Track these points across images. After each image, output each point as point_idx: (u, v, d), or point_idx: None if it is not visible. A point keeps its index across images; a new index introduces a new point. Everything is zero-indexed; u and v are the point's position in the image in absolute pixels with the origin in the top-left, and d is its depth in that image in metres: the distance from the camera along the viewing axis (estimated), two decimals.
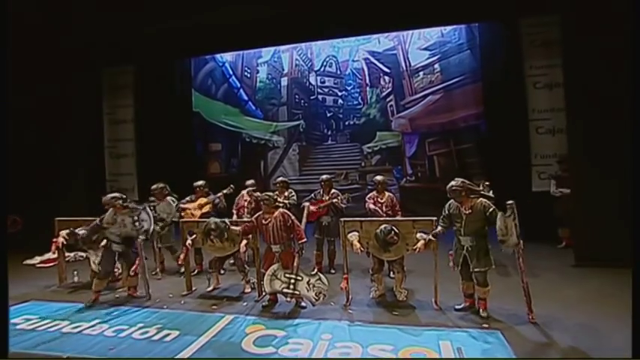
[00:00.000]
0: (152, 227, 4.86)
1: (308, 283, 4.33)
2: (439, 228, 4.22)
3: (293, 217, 4.46)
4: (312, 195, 5.87)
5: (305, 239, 4.43)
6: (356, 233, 4.54)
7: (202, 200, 6.10)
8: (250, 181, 6.34)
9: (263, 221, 4.52)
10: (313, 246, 5.88)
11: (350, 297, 4.66)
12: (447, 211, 4.18)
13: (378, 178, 5.52)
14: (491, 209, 3.94)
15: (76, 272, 5.74)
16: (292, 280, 4.30)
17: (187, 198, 6.14)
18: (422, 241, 4.26)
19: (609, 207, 5.37)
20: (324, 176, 5.87)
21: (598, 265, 5.35)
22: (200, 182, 6.21)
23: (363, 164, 9.28)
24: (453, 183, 4.04)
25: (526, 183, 7.20)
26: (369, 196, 5.51)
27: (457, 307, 4.26)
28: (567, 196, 6.13)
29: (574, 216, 5.76)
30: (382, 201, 5.43)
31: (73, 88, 8.27)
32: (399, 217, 4.73)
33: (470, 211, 4.01)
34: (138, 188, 9.00)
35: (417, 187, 8.79)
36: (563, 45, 5.81)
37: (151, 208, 5.24)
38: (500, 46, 7.85)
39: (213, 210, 6.11)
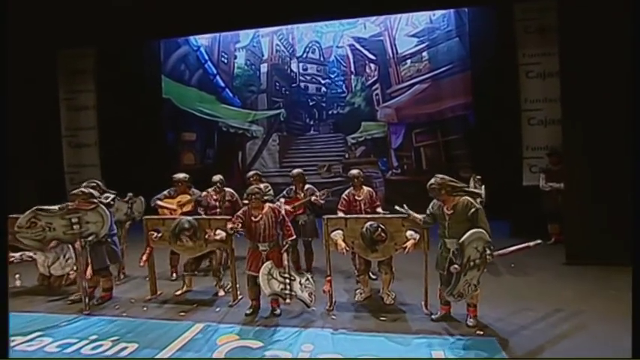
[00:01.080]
0: (104, 230, 4.33)
1: (300, 283, 4.10)
2: (423, 220, 3.98)
3: (283, 212, 4.20)
4: (285, 192, 5.44)
5: (294, 236, 4.25)
6: (340, 232, 4.28)
7: (184, 197, 5.42)
8: (217, 177, 5.58)
9: (252, 218, 4.15)
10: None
11: (334, 301, 4.42)
12: (430, 211, 3.92)
13: (353, 172, 5.01)
14: (472, 210, 3.61)
15: (18, 275, 5.25)
16: (287, 281, 4.00)
17: (165, 192, 5.45)
18: (411, 240, 4.05)
19: (603, 203, 5.20)
20: (294, 171, 5.39)
21: (590, 264, 5.22)
22: (181, 175, 5.49)
23: (347, 156, 9.11)
24: (432, 180, 3.75)
25: (516, 177, 7.04)
26: (345, 193, 5.03)
27: (434, 317, 3.98)
28: (557, 190, 6.05)
29: (566, 212, 5.61)
30: (360, 198, 4.96)
31: (25, 71, 7.57)
32: (388, 215, 4.42)
33: (452, 211, 3.70)
34: (103, 180, 8.44)
35: (403, 180, 8.62)
36: (560, 32, 5.58)
37: (113, 202, 4.76)
38: (490, 33, 7.65)
39: (194, 209, 5.45)
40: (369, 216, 4.35)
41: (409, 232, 4.13)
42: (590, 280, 4.92)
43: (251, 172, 5.90)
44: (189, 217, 4.48)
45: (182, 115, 9.73)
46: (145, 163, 7.94)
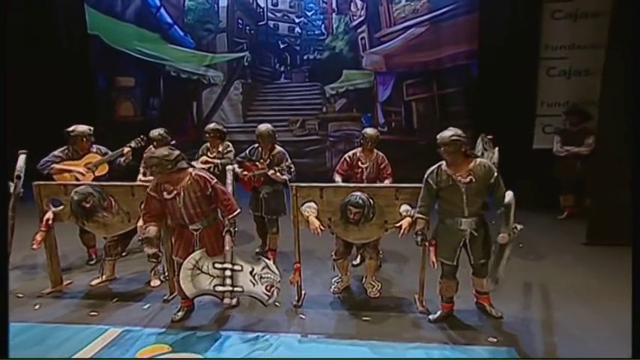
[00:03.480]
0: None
1: (252, 273, 3.32)
2: (419, 214, 3.30)
3: (213, 181, 3.29)
4: (245, 153, 4.63)
5: (238, 210, 3.37)
6: (313, 205, 3.57)
7: (92, 157, 4.50)
8: (156, 132, 4.71)
9: (165, 195, 3.20)
10: (249, 223, 4.87)
11: (303, 294, 3.80)
12: (433, 184, 3.19)
13: (369, 131, 4.40)
14: (494, 175, 3.13)
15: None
16: (228, 273, 3.22)
17: (58, 153, 4.43)
18: (407, 219, 3.40)
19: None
20: (261, 127, 4.46)
21: (615, 244, 4.73)
22: (83, 128, 4.44)
23: (324, 109, 8.58)
24: (448, 133, 3.11)
25: (526, 138, 6.62)
26: (349, 153, 4.43)
27: (432, 317, 3.47)
28: (575, 155, 5.73)
29: (591, 182, 5.13)
30: (364, 164, 4.35)
31: None
32: (377, 184, 3.73)
33: (469, 178, 3.09)
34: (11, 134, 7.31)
35: (390, 140, 7.97)
36: None
37: None
38: None
39: (108, 174, 4.60)
40: (351, 185, 3.58)
41: (404, 207, 3.47)
42: (620, 265, 4.35)
43: (210, 126, 5.03)
44: (90, 185, 3.68)
45: (116, 55, 8.78)
46: (69, 114, 6.80)
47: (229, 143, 5.03)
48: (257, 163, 4.49)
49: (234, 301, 3.46)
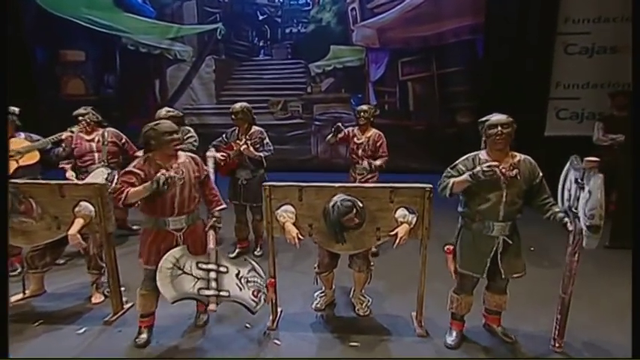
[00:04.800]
0: None
1: (238, 276, 3.14)
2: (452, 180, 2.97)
3: (208, 166, 3.38)
4: (222, 137, 4.66)
5: (224, 205, 3.38)
6: (291, 209, 3.22)
7: (17, 143, 4.19)
8: (82, 110, 4.54)
9: (165, 171, 2.96)
10: (229, 214, 4.65)
11: (279, 313, 3.49)
12: (466, 168, 2.91)
13: (363, 107, 4.77)
14: (539, 174, 2.94)
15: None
16: (212, 275, 3.04)
17: None
18: (404, 226, 3.10)
19: None
20: (237, 105, 4.51)
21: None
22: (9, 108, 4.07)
23: (309, 90, 8.49)
24: (501, 116, 2.88)
25: (536, 124, 6.49)
26: (345, 131, 4.75)
27: (450, 341, 3.22)
28: (620, 144, 5.46)
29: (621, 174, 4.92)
30: (360, 141, 4.66)
31: None
32: (368, 184, 3.45)
33: (515, 172, 2.85)
34: None
35: (383, 125, 7.88)
36: None
37: None
38: None
39: (39, 163, 4.33)
40: (337, 184, 3.19)
41: (400, 212, 3.14)
42: None
43: (163, 111, 4.70)
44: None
45: (61, 25, 8.46)
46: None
47: (190, 128, 4.81)
48: (233, 143, 4.47)
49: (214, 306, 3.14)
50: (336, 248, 3.28)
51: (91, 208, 3.21)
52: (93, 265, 3.67)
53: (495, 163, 2.71)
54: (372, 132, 4.63)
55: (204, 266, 3.04)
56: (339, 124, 4.72)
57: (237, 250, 4.65)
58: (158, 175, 2.83)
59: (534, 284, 3.92)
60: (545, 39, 6.30)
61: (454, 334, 3.19)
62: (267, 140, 4.51)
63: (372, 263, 3.56)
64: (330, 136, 4.76)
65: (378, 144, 4.60)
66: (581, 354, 3.10)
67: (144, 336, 3.14)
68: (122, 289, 3.53)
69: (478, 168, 2.73)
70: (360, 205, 3.00)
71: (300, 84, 8.50)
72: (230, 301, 3.06)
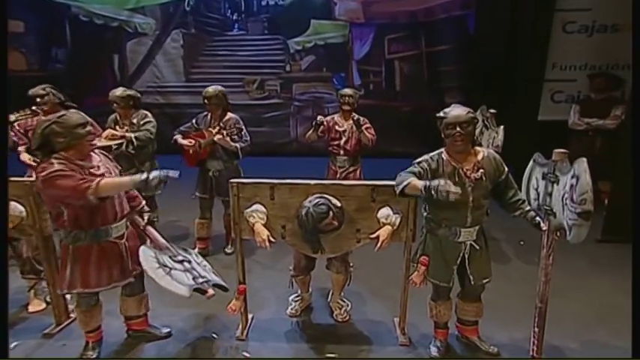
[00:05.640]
0: None
1: (198, 263, 3.13)
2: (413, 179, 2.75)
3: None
4: (191, 122, 4.44)
5: (143, 203, 3.14)
6: (262, 209, 3.05)
7: None
8: (37, 89, 4.15)
9: (96, 170, 2.67)
10: (192, 210, 4.58)
11: (249, 322, 3.37)
12: (428, 174, 2.75)
13: (346, 90, 4.60)
14: (504, 171, 2.82)
15: None
16: (188, 265, 3.00)
17: None
18: (387, 227, 2.97)
19: None
20: (210, 89, 4.29)
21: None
22: None
23: (288, 68, 8.43)
24: (461, 110, 2.70)
25: (529, 108, 6.42)
26: (327, 118, 4.58)
27: (434, 351, 3.14)
28: (595, 130, 5.50)
29: (616, 163, 4.94)
30: (342, 128, 4.52)
31: None
32: (347, 182, 3.37)
33: (480, 173, 2.72)
34: None
35: (367, 106, 7.82)
36: None
37: None
38: None
39: None
40: (313, 182, 3.02)
41: (383, 212, 2.99)
42: None
43: (118, 90, 4.43)
44: None
45: None
46: None
47: (147, 113, 4.54)
48: (205, 131, 4.27)
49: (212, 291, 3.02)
50: (310, 253, 3.14)
51: (21, 208, 3.00)
52: (28, 269, 3.44)
53: (454, 190, 2.47)
54: (356, 118, 4.45)
55: (180, 258, 2.97)
56: (320, 117, 4.51)
57: (195, 250, 4.46)
58: (155, 173, 2.53)
59: (521, 285, 3.91)
60: (542, 15, 6.18)
61: (438, 343, 3.11)
62: (245, 131, 4.32)
63: (351, 264, 3.45)
64: (310, 132, 4.54)
65: (364, 127, 4.43)
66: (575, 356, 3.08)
67: (91, 353, 2.96)
68: (68, 296, 3.27)
69: (436, 183, 2.50)
70: (337, 204, 2.85)
71: (278, 62, 8.36)
72: (212, 285, 2.98)
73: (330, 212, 2.79)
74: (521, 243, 4.67)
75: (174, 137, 4.28)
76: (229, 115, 4.32)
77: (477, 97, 5.78)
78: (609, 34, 5.61)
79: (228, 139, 4.13)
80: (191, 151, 4.23)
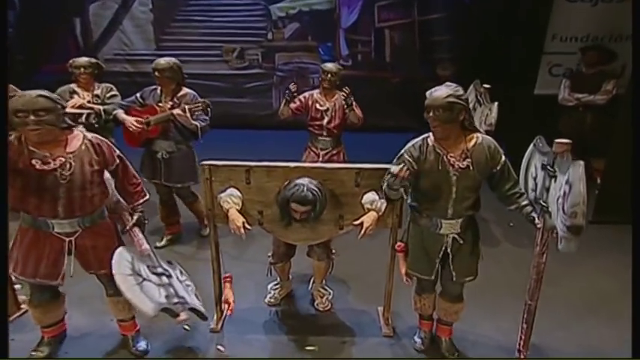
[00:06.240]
0: None
1: (179, 280, 2.96)
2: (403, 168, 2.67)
3: (107, 143, 2.70)
4: (135, 97, 4.06)
5: (147, 195, 2.91)
6: (236, 194, 2.91)
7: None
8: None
9: (38, 165, 2.40)
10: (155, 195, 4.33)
11: (224, 312, 3.24)
12: (412, 164, 2.61)
13: (329, 65, 4.24)
14: (500, 159, 2.62)
15: None
16: (166, 280, 2.83)
17: None
18: (372, 213, 2.87)
19: None
20: (161, 60, 3.92)
21: (627, 222, 4.56)
22: None
23: (270, 36, 8.18)
24: (443, 91, 2.49)
25: (526, 81, 6.36)
26: (305, 94, 4.26)
27: (418, 343, 3.14)
28: (585, 106, 5.46)
29: (608, 143, 4.91)
30: (323, 107, 4.18)
31: None
32: (329, 165, 3.28)
33: (467, 162, 2.57)
34: None
35: (355, 77, 7.64)
36: None
37: None
38: None
39: None
40: (293, 165, 2.91)
41: (368, 197, 2.89)
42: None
43: (83, 60, 4.25)
44: None
45: None
46: None
47: (112, 86, 4.35)
48: (156, 106, 3.92)
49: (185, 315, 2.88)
50: (290, 239, 3.07)
51: None
52: None
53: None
54: (339, 95, 4.17)
55: (159, 270, 2.81)
56: (292, 85, 4.18)
57: (165, 238, 4.25)
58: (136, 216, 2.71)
59: (508, 272, 3.89)
60: None
61: (422, 334, 3.10)
62: (193, 105, 3.94)
63: (333, 251, 3.41)
64: (282, 106, 4.21)
65: (344, 113, 4.19)
66: (566, 352, 3.06)
67: (44, 348, 2.82)
68: (17, 286, 3.15)
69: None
70: (318, 189, 2.75)
71: (260, 29, 8.19)
72: (188, 309, 2.82)
73: (310, 206, 2.72)
74: (511, 225, 4.64)
75: (114, 112, 3.93)
76: (185, 90, 3.99)
77: (471, 70, 5.70)
78: (615, 3, 5.50)
79: (188, 114, 3.80)
80: (136, 130, 3.89)
